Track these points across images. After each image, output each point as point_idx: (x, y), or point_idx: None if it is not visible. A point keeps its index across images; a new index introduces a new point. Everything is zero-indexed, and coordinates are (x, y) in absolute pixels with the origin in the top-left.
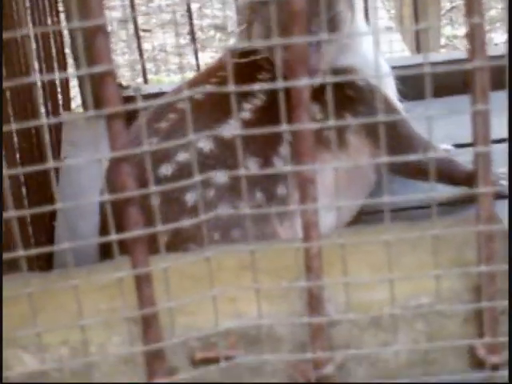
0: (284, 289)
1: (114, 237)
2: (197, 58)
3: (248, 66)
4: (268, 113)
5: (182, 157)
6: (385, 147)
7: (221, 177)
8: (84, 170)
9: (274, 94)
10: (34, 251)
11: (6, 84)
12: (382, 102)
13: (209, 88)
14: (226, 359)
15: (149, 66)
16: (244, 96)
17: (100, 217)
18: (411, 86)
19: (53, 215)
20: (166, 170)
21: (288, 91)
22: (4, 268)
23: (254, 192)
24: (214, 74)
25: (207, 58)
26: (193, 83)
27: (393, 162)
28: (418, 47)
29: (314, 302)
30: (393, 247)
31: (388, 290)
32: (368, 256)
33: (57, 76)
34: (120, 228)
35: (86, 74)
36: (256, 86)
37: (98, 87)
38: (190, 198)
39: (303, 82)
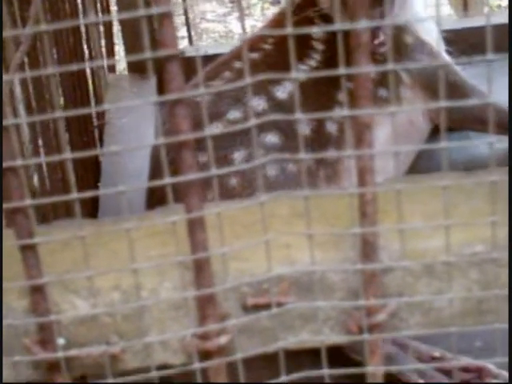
0: (337, 236)
1: (167, 180)
2: (243, 25)
3: (302, 24)
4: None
5: (233, 115)
6: (440, 98)
7: (271, 138)
8: (128, 131)
9: (328, 56)
10: (81, 195)
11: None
12: (434, 56)
13: (266, 48)
14: (278, 305)
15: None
16: (299, 57)
17: (151, 164)
18: (457, 49)
19: (97, 175)
20: (217, 127)
21: (346, 37)
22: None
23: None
24: (270, 34)
25: (248, 26)
26: (250, 43)
27: (449, 112)
28: (466, 9)
29: (367, 249)
30: (448, 196)
31: (443, 237)
32: (423, 205)
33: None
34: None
35: (144, 15)
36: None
37: (158, 29)
38: (238, 156)
39: (363, 25)
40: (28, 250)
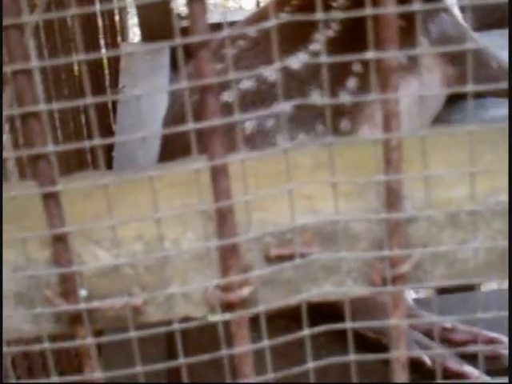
0: (361, 186)
1: (191, 125)
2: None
3: None
4: (340, 44)
5: (245, 85)
6: (459, 64)
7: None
8: (142, 99)
9: (347, 25)
10: (101, 142)
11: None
12: (451, 21)
13: (283, 16)
14: (301, 256)
15: None
16: (316, 26)
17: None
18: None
19: (111, 146)
20: (229, 96)
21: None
22: None
23: (315, 124)
24: (287, 1)
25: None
26: (266, 11)
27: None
28: None
29: (391, 198)
30: (473, 145)
31: (467, 186)
32: (447, 154)
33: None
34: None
35: None
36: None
37: None
38: (249, 125)
39: None
40: (50, 199)
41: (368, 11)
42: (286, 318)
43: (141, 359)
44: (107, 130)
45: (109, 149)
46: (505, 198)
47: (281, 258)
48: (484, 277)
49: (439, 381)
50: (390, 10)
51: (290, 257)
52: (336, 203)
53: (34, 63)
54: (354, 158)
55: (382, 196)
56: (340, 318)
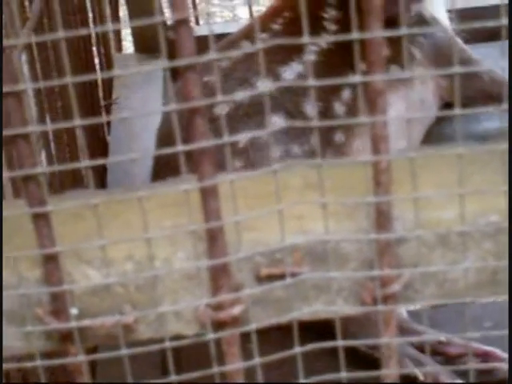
0: (351, 207)
1: (180, 148)
2: (250, 10)
3: (312, 3)
4: (334, 55)
5: (239, 96)
6: (450, 77)
7: (276, 120)
8: (136, 111)
9: (340, 35)
10: (92, 163)
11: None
12: (446, 35)
13: (275, 28)
14: (292, 276)
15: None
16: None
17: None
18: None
19: (105, 156)
20: (222, 108)
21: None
22: None
23: (309, 137)
24: (279, 13)
25: (255, 11)
26: (258, 24)
27: (461, 89)
28: None
29: (381, 219)
30: (462, 166)
31: (457, 207)
32: (437, 176)
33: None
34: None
35: None
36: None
37: None
38: (242, 138)
39: None
40: (40, 219)
41: (355, 35)
42: (280, 330)
43: (136, 377)
44: (101, 142)
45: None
46: (495, 218)
47: (271, 278)
48: (474, 296)
49: None
50: (377, 34)
51: (281, 276)
52: (326, 223)
53: (22, 86)
54: (343, 178)
55: (371, 216)
56: (333, 330)
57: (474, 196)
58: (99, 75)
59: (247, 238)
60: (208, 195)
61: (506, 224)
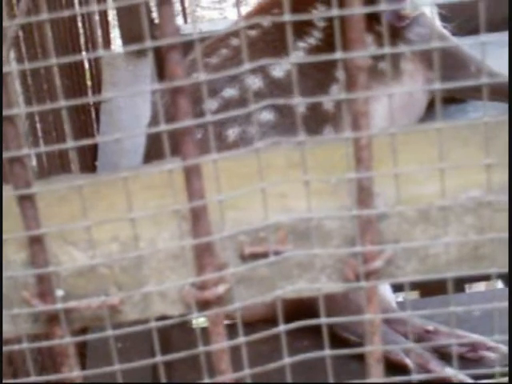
0: (333, 185)
1: (163, 127)
2: (239, 12)
3: (302, 1)
4: (322, 51)
5: (228, 93)
6: (439, 68)
7: (266, 115)
8: (125, 110)
9: (329, 33)
10: (78, 143)
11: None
12: (432, 28)
13: (264, 23)
14: (275, 254)
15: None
16: (299, 35)
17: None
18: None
19: (94, 155)
20: (211, 104)
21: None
22: None
23: (298, 132)
24: (268, 10)
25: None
26: (248, 20)
27: (448, 82)
28: None
29: (363, 195)
30: (443, 142)
31: (438, 183)
32: (418, 153)
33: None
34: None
35: None
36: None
37: None
38: (232, 133)
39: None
40: (26, 201)
41: (334, 12)
42: (267, 323)
43: (125, 359)
44: (90, 137)
45: (93, 158)
46: (476, 193)
47: (255, 256)
48: (456, 271)
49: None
50: (357, 10)
51: (265, 255)
52: (309, 201)
53: (7, 68)
54: (326, 157)
55: (353, 194)
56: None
57: (455, 171)
58: (88, 71)
59: (231, 217)
60: (191, 175)
61: (487, 198)
